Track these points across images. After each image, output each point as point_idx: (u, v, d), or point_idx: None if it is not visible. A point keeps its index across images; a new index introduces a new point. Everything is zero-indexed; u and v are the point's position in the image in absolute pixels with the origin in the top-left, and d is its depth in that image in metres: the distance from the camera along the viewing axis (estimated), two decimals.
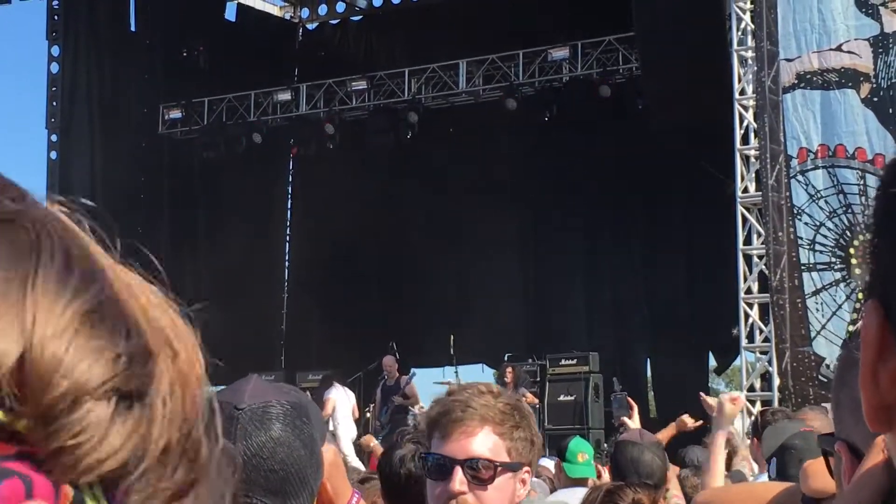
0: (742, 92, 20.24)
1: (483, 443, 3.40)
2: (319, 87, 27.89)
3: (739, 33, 20.37)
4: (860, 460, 1.88)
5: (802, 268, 19.45)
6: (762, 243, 19.66)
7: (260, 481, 2.59)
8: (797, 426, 6.17)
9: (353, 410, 21.08)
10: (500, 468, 3.40)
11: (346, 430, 20.51)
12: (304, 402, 2.80)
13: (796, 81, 19.80)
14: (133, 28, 29.49)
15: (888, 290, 1.10)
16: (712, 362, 26.31)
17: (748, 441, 9.24)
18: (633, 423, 8.95)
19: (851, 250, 19.23)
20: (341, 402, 20.71)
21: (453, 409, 3.40)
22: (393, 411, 20.83)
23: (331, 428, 20.50)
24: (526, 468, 3.46)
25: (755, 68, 19.96)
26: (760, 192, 19.67)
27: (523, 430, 3.44)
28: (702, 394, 8.08)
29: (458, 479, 3.39)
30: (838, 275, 19.31)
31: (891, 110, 19.28)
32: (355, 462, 16.19)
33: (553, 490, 8.10)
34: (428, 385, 22.70)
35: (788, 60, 19.82)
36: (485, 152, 27.51)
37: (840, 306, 19.16)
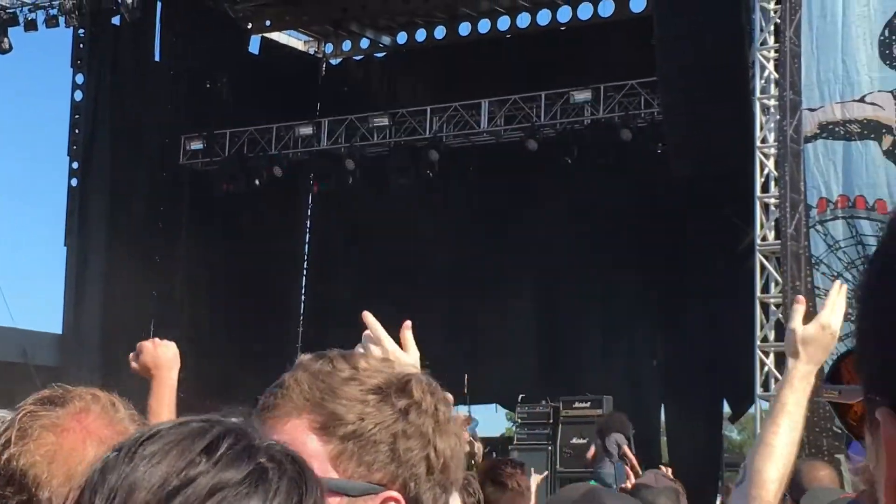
0: (763, 140, 20.19)
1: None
2: (341, 122, 27.92)
3: (762, 81, 20.34)
4: None
5: None
6: (779, 292, 19.58)
7: None
8: (835, 493, 6.09)
9: None
10: None
11: None
12: None
13: (818, 131, 19.74)
14: (157, 58, 29.60)
15: None
16: (727, 409, 26.17)
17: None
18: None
19: None
20: None
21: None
22: None
23: None
24: (384, 495, 1.95)
25: (777, 117, 19.92)
26: (779, 241, 19.61)
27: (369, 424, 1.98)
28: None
29: None
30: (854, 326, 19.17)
31: None
32: None
33: None
34: None
35: (811, 110, 19.77)
36: (505, 192, 27.50)
37: None
